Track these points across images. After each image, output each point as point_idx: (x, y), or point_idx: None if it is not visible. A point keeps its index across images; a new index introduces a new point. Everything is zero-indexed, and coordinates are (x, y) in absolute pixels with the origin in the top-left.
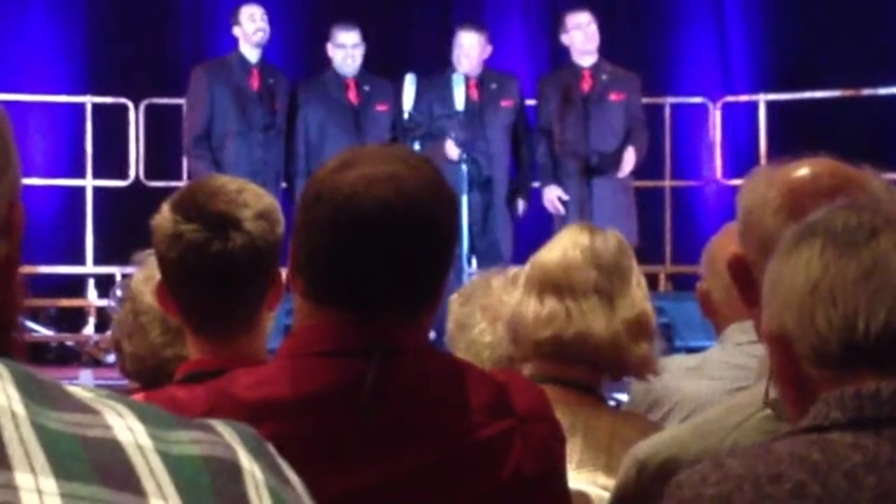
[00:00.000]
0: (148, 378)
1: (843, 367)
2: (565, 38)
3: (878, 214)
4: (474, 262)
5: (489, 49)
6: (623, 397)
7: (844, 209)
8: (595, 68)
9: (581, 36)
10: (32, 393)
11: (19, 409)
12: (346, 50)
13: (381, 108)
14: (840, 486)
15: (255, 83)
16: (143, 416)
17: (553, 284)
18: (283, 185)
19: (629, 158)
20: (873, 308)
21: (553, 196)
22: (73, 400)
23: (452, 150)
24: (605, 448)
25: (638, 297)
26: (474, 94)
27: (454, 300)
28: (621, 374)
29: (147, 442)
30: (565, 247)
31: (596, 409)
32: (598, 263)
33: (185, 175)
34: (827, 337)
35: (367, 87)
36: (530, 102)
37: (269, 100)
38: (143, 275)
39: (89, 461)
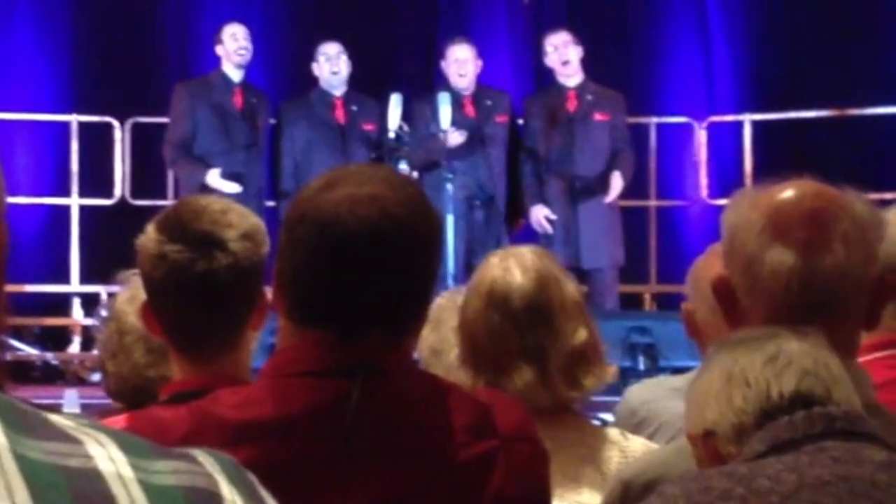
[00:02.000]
0: (131, 398)
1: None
2: (547, 60)
3: (775, 328)
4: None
5: (480, 63)
6: (609, 417)
7: (743, 330)
8: (580, 88)
9: (557, 57)
10: (13, 422)
11: (0, 438)
12: (331, 60)
13: (367, 127)
14: (763, 485)
15: (237, 102)
16: (125, 446)
17: (483, 357)
18: (271, 203)
19: (616, 184)
20: (783, 379)
21: (540, 215)
22: (53, 429)
23: (452, 136)
24: (587, 464)
25: (567, 330)
26: (471, 111)
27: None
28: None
29: (128, 472)
30: (486, 306)
31: (574, 424)
32: (520, 321)
33: (170, 194)
34: (744, 410)
35: (354, 107)
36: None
37: (252, 118)
38: (127, 295)
39: (70, 491)
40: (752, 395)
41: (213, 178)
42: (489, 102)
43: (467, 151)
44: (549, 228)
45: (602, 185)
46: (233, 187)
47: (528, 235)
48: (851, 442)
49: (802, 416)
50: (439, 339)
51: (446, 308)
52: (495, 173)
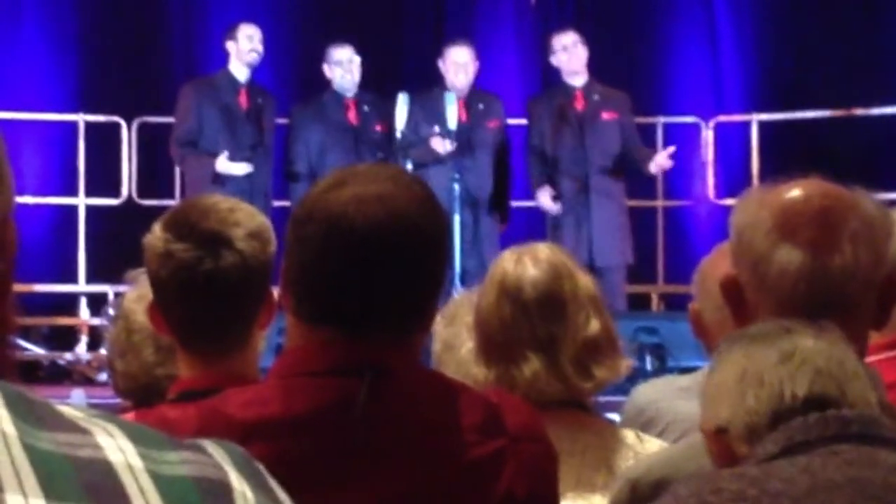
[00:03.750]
0: (140, 397)
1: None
2: (554, 60)
3: (790, 321)
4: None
5: (477, 65)
6: (615, 417)
7: (758, 323)
8: (586, 88)
9: (567, 57)
10: (23, 413)
11: (10, 428)
12: (343, 65)
13: (380, 127)
14: (775, 487)
15: (243, 102)
16: (134, 436)
17: (495, 347)
18: (279, 203)
19: (663, 160)
20: (797, 380)
21: (546, 195)
22: (63, 419)
23: (439, 143)
24: (603, 466)
25: (580, 321)
26: (463, 115)
27: (439, 321)
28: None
29: (137, 462)
30: (499, 297)
31: (592, 427)
32: (531, 311)
33: (177, 193)
34: (757, 410)
35: (366, 108)
36: (523, 122)
37: (257, 119)
38: (135, 294)
39: (80, 481)
40: (764, 395)
41: (222, 163)
42: (481, 106)
43: (457, 155)
44: (554, 208)
45: (614, 183)
46: (243, 168)
47: (516, 238)
48: (865, 445)
49: (816, 418)
50: (453, 334)
51: (462, 304)
52: (484, 178)
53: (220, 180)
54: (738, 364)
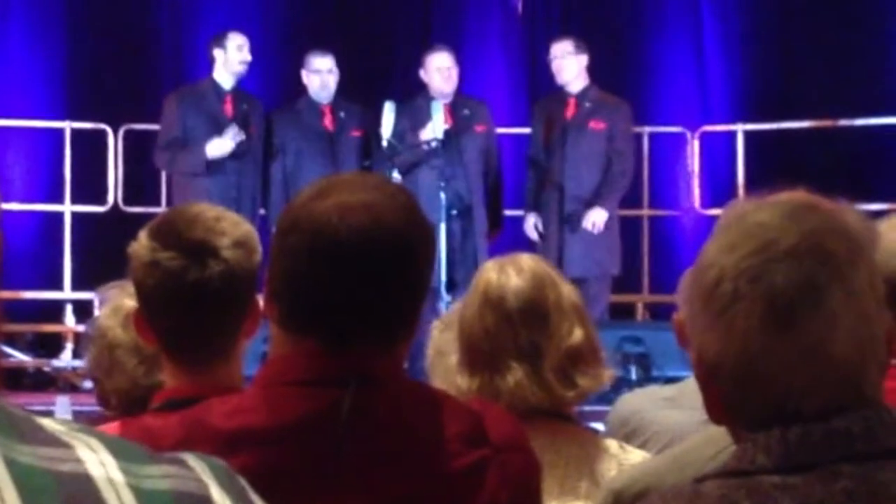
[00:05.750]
0: (137, 409)
1: (767, 428)
2: (552, 67)
3: (824, 262)
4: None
5: (457, 69)
6: (599, 427)
7: (788, 258)
8: (580, 96)
9: (558, 65)
10: (3, 426)
11: None
12: (322, 75)
13: (355, 133)
14: None
15: (228, 109)
16: (115, 451)
17: (478, 356)
18: (262, 211)
19: (595, 217)
20: (810, 391)
21: (531, 223)
22: (44, 433)
23: (429, 132)
24: (587, 475)
25: (563, 330)
26: (449, 121)
27: (435, 327)
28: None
29: (119, 476)
30: (482, 306)
31: (576, 435)
32: (514, 320)
33: (163, 201)
34: (757, 413)
35: (342, 114)
36: (519, 131)
37: (244, 126)
38: (108, 309)
39: (61, 495)
40: (771, 398)
41: (213, 146)
42: (467, 112)
43: (444, 161)
44: (535, 237)
45: (593, 195)
46: (232, 136)
47: (509, 246)
48: (869, 462)
49: (821, 434)
50: (446, 341)
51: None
52: (472, 184)
53: (215, 167)
54: (748, 342)
